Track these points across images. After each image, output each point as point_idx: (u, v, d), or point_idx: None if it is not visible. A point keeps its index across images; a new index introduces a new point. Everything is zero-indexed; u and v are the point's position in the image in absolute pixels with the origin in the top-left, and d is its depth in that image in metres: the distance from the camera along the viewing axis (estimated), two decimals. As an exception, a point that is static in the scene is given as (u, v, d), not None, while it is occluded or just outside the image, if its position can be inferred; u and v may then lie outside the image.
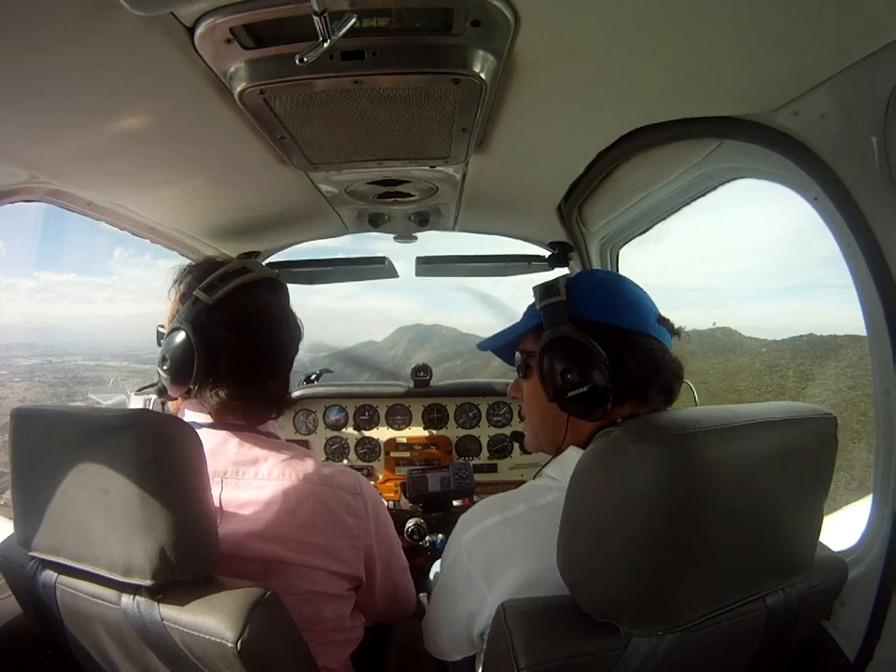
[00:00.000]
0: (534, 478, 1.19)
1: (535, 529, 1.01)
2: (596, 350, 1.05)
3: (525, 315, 1.25)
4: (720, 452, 0.85)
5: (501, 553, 1.04)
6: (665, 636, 0.87)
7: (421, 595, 1.77)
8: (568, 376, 1.06)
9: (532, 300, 1.19)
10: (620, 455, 0.85)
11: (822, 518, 1.03)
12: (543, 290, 1.16)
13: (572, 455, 1.09)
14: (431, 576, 1.88)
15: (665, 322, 1.15)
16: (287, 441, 1.29)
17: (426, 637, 1.29)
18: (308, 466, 1.18)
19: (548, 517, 0.99)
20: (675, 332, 1.17)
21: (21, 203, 1.50)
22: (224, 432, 1.19)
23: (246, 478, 1.15)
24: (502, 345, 1.32)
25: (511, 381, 1.32)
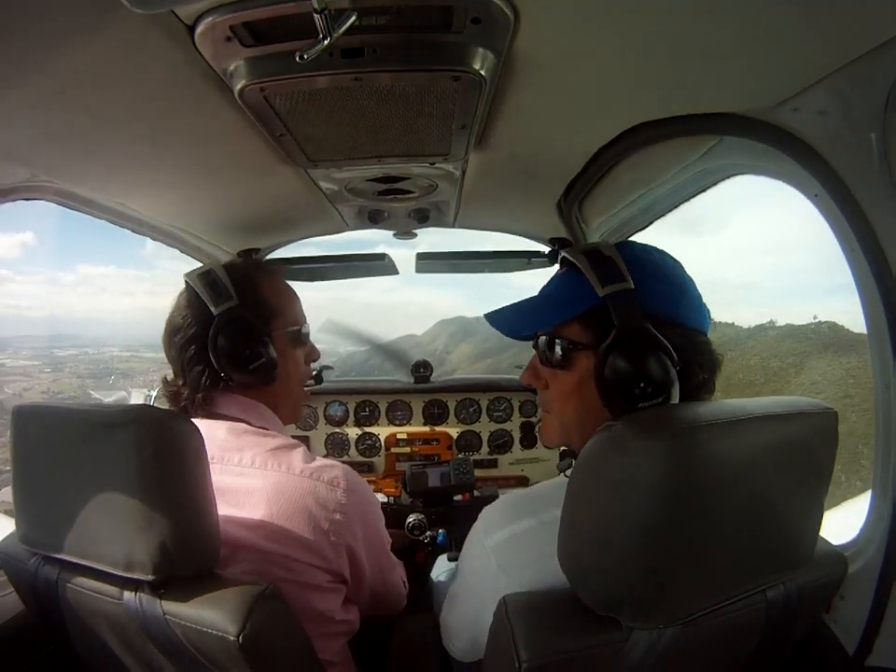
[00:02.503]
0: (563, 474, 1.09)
1: None
2: (671, 354, 0.96)
3: (561, 294, 1.13)
4: (720, 446, 0.85)
5: (539, 562, 0.97)
6: (665, 629, 0.87)
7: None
8: (642, 384, 0.95)
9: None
10: (621, 449, 0.85)
11: (822, 512, 1.03)
12: (602, 270, 1.01)
13: None
14: (434, 576, 1.88)
15: (710, 320, 1.08)
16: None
17: (444, 636, 1.27)
18: (294, 458, 1.19)
19: None
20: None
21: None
22: (216, 420, 1.24)
23: (231, 464, 1.18)
24: (528, 323, 1.16)
25: (517, 380, 1.23)
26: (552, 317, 1.11)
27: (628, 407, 0.97)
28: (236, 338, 1.29)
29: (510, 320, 1.18)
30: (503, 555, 1.02)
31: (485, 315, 1.19)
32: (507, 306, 1.19)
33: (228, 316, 1.29)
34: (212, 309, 1.28)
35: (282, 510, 1.13)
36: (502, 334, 1.15)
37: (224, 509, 1.11)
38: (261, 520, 1.12)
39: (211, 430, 1.20)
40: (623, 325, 0.98)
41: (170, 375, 1.34)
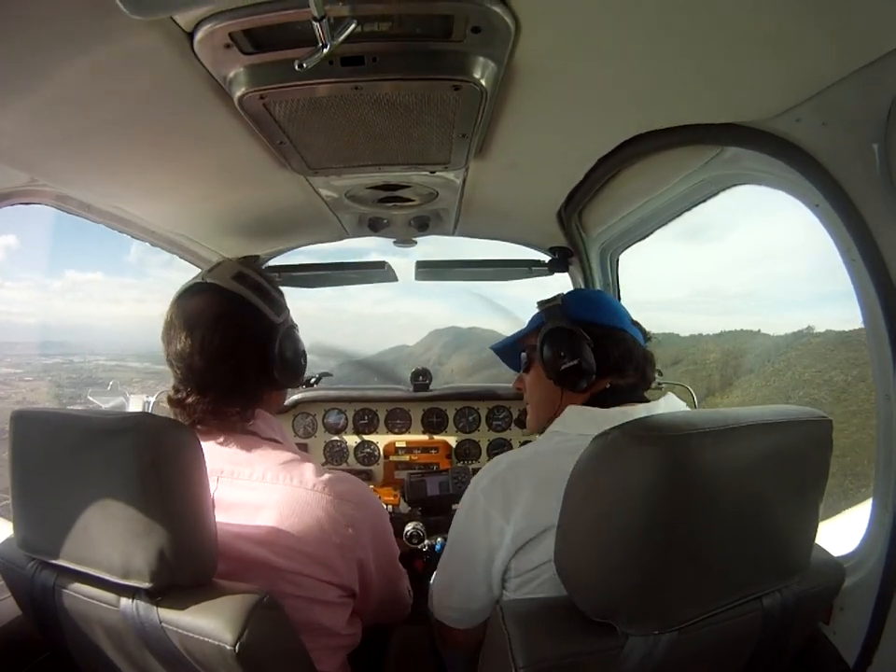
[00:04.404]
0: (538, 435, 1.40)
1: (542, 464, 1.19)
2: (583, 336, 1.31)
3: (528, 323, 1.50)
4: (715, 453, 0.85)
5: (514, 486, 1.17)
6: (661, 635, 0.87)
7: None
8: (562, 354, 1.31)
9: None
10: (616, 456, 0.86)
11: (818, 520, 1.03)
12: (545, 300, 1.45)
13: (570, 410, 1.30)
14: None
15: (637, 325, 1.39)
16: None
17: (436, 602, 1.35)
18: (306, 471, 1.16)
19: (553, 454, 1.20)
20: (647, 337, 1.41)
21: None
22: (225, 434, 1.19)
23: (241, 478, 1.14)
24: (509, 348, 1.57)
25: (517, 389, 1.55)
26: (519, 334, 1.53)
27: (559, 371, 1.32)
28: (298, 346, 1.31)
29: (502, 341, 1.60)
30: (489, 492, 1.21)
31: (490, 347, 1.65)
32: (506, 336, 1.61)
33: (288, 324, 1.27)
34: (274, 319, 1.23)
35: (293, 525, 1.11)
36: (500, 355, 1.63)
37: (235, 524, 1.10)
38: (273, 535, 1.10)
39: (223, 444, 1.18)
40: (550, 322, 1.37)
41: (170, 390, 1.24)
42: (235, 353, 1.18)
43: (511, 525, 1.14)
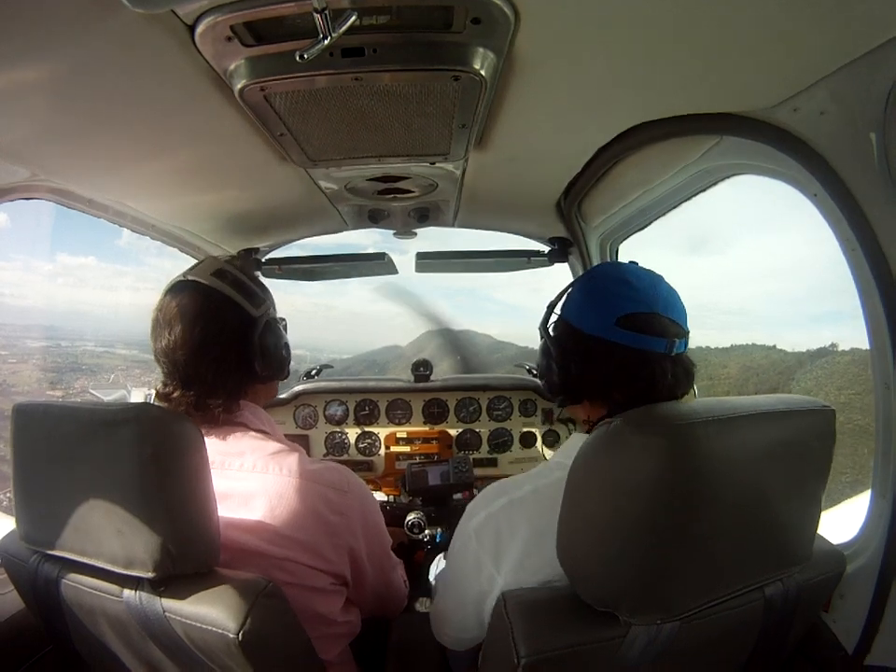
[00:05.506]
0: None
1: (538, 508, 1.06)
2: (552, 352, 1.17)
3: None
4: (718, 442, 0.85)
5: (508, 532, 1.08)
6: (664, 624, 0.88)
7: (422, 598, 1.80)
8: (538, 364, 1.25)
9: None
10: (619, 445, 0.85)
11: (820, 509, 1.04)
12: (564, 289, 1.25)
13: (573, 439, 1.15)
14: (431, 577, 1.89)
15: (629, 324, 1.06)
16: (285, 435, 1.30)
17: (434, 626, 1.32)
18: (294, 460, 1.18)
19: (551, 494, 0.99)
20: (653, 332, 1.06)
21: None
22: (206, 426, 1.21)
23: (232, 469, 1.17)
24: None
25: (517, 380, 1.58)
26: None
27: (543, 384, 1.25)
28: (278, 339, 1.31)
29: None
30: (481, 534, 1.12)
31: None
32: None
33: (267, 317, 1.28)
34: (252, 312, 1.24)
35: (283, 513, 1.13)
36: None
37: (226, 513, 1.10)
38: (263, 524, 1.12)
39: (214, 436, 1.20)
40: (541, 325, 1.25)
41: (158, 384, 1.27)
42: (216, 346, 1.20)
43: (501, 577, 1.06)
